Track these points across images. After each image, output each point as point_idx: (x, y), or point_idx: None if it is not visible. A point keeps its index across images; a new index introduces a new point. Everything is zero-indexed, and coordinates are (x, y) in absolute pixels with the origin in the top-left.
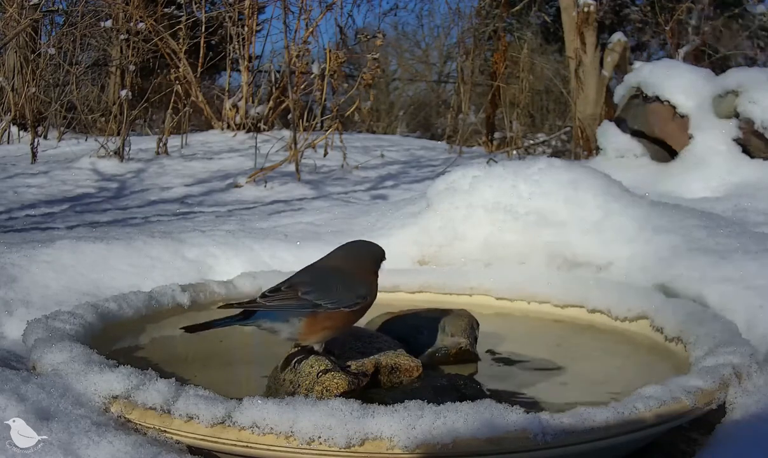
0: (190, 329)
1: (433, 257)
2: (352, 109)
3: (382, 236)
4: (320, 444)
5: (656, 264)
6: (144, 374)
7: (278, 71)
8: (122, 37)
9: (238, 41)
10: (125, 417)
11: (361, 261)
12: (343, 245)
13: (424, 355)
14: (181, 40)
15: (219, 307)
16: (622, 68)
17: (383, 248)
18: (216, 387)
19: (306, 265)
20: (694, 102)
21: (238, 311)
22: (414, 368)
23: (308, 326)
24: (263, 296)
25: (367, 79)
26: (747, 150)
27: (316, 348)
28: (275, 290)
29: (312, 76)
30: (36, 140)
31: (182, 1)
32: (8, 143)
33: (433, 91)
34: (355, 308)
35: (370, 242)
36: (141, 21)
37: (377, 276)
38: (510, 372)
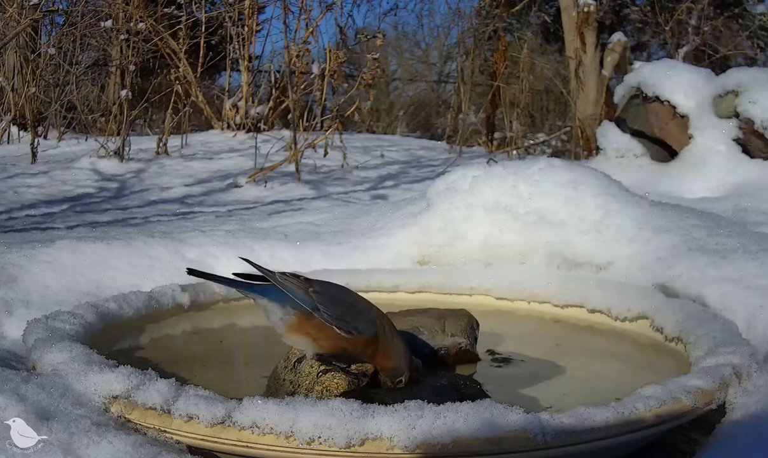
0: (192, 271)
1: (433, 257)
2: (352, 110)
3: (382, 236)
4: (320, 444)
5: (656, 264)
6: (144, 374)
7: (278, 71)
8: (122, 37)
9: (238, 41)
10: (125, 417)
11: (395, 333)
12: (393, 324)
13: (424, 355)
14: (181, 40)
15: (240, 257)
16: (622, 68)
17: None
18: (216, 387)
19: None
20: (694, 102)
21: (243, 278)
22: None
23: (297, 322)
24: (282, 273)
25: (367, 79)
26: (747, 150)
27: (308, 355)
28: (295, 275)
29: (312, 76)
30: (36, 140)
31: (182, 1)
32: (8, 143)
33: (433, 91)
34: (346, 334)
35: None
36: (141, 21)
37: (387, 355)
38: (510, 371)
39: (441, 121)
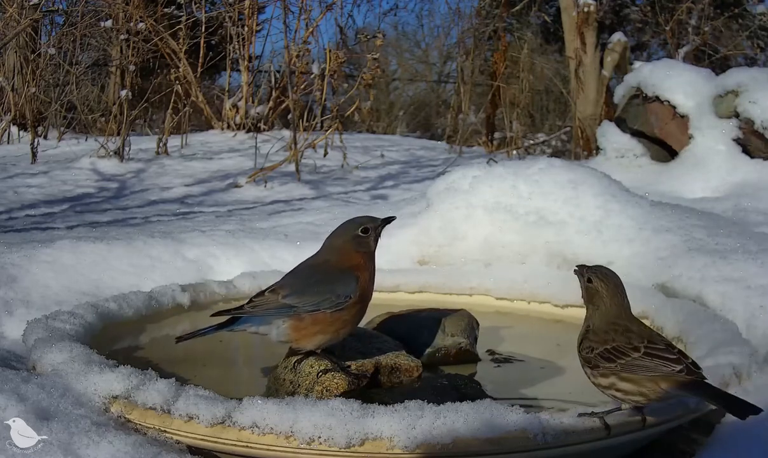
0: (179, 339)
1: (433, 257)
2: (352, 110)
3: (381, 235)
4: (320, 444)
5: (656, 264)
6: (144, 374)
7: (278, 71)
8: (122, 37)
9: (238, 41)
10: (125, 417)
11: (343, 248)
12: (331, 233)
13: (424, 355)
14: (181, 40)
15: (211, 315)
16: (622, 68)
17: (371, 223)
18: (216, 387)
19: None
20: (694, 102)
21: (225, 318)
22: (414, 368)
23: (295, 331)
24: (250, 301)
25: (367, 79)
26: (747, 150)
27: (317, 351)
28: (260, 294)
29: (312, 76)
30: (36, 140)
31: (182, 1)
32: (8, 143)
33: (433, 91)
34: (340, 309)
35: (349, 220)
36: (141, 21)
37: (366, 255)
38: (510, 372)
39: (441, 121)
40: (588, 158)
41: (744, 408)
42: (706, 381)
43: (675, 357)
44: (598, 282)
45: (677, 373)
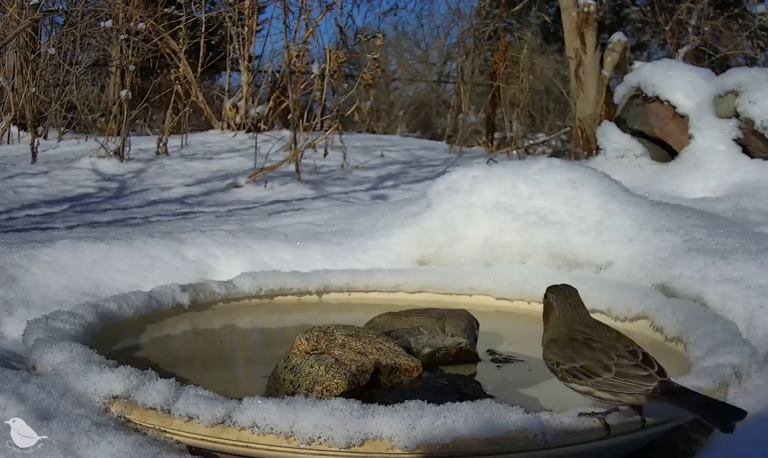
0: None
1: (433, 257)
2: (352, 110)
3: (382, 236)
4: (320, 444)
5: (656, 264)
6: (144, 374)
7: (278, 71)
8: (122, 37)
9: (238, 41)
10: (125, 417)
11: None
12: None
13: (424, 355)
14: (181, 40)
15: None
16: (622, 68)
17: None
18: (216, 387)
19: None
20: (694, 102)
21: None
22: (414, 368)
23: None
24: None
25: (367, 79)
26: (747, 150)
27: None
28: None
29: (312, 76)
30: (36, 140)
31: (182, 1)
32: (8, 143)
33: (433, 91)
34: None
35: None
36: (141, 21)
37: None
38: (510, 372)
39: (441, 121)
40: (588, 158)
41: (727, 416)
42: (682, 388)
43: (646, 374)
44: (551, 296)
45: (651, 393)
